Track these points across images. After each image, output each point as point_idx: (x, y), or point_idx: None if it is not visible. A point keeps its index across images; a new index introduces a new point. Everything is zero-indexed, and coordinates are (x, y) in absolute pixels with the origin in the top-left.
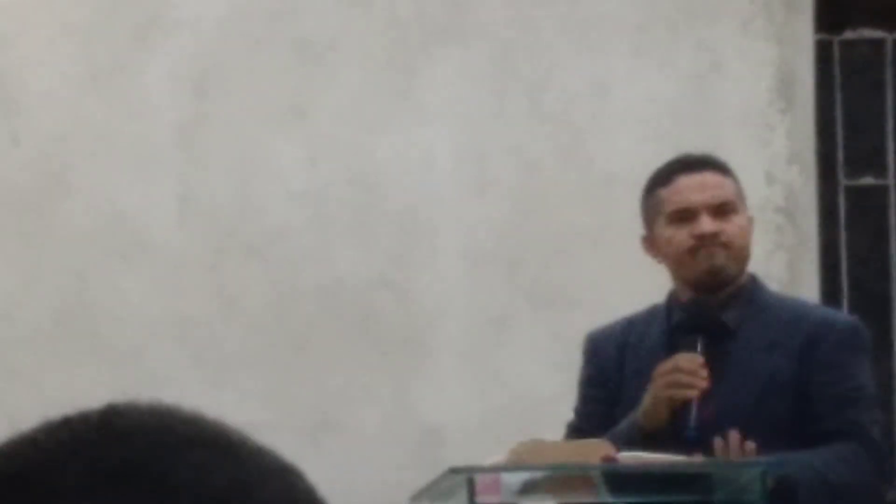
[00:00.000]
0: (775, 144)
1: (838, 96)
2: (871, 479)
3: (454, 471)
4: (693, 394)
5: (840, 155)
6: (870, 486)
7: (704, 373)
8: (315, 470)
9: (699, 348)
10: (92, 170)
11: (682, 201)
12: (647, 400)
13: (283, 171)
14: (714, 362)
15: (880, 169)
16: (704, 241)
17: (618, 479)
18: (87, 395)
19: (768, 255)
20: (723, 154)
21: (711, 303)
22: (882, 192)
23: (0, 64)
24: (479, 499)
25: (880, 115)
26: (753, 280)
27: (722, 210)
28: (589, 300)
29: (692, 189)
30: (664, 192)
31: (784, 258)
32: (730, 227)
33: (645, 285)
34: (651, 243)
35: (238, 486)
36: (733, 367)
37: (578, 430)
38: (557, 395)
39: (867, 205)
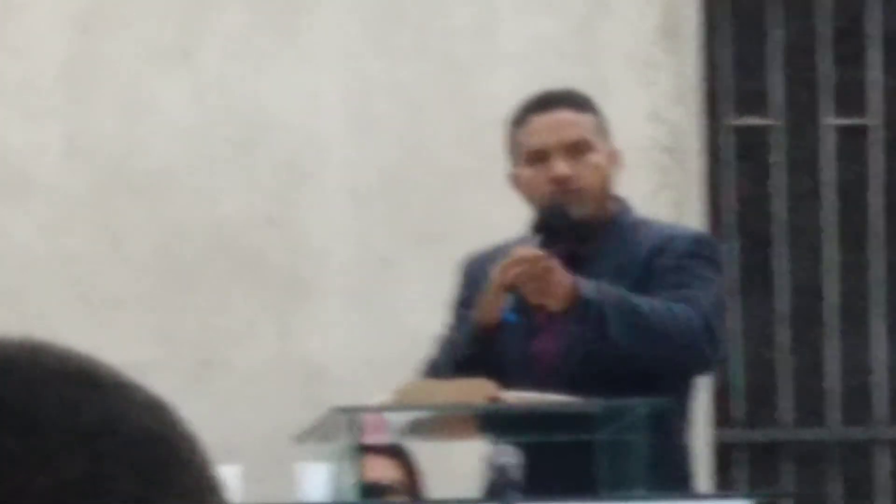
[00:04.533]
0: (660, 84)
1: (724, 36)
2: (688, 339)
3: (339, 410)
4: (518, 278)
5: (725, 94)
6: (685, 345)
7: (544, 259)
8: (199, 409)
9: (539, 244)
10: None
11: (535, 142)
12: (482, 296)
13: (168, 109)
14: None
15: (765, 108)
16: (558, 185)
17: (502, 419)
18: None
19: (654, 194)
20: (607, 93)
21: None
22: (766, 131)
23: None
24: (365, 438)
25: (766, 54)
26: (620, 212)
27: (576, 149)
28: (474, 239)
29: (545, 129)
30: (519, 132)
31: (670, 197)
32: (584, 168)
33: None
34: (515, 181)
35: (106, 421)
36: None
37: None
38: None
39: (752, 144)
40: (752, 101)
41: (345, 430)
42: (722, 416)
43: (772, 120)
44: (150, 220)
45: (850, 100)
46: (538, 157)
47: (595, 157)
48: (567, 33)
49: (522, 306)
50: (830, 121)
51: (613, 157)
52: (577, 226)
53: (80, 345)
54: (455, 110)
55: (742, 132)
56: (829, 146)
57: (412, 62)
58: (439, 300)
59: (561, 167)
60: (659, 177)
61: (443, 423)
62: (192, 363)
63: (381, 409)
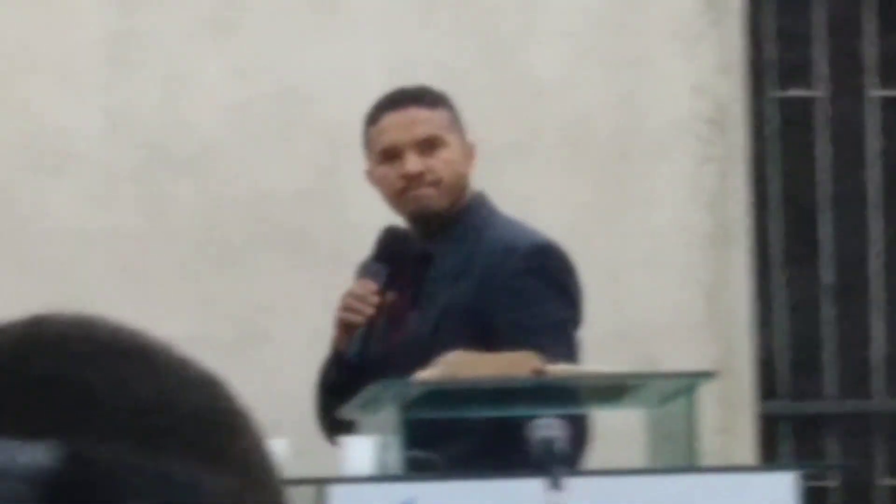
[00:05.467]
0: (705, 56)
1: (768, 7)
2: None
3: (384, 384)
4: (357, 319)
5: (769, 66)
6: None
7: (374, 300)
8: (242, 383)
9: (380, 276)
10: (18, 83)
11: (387, 140)
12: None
13: (211, 83)
14: (414, 290)
15: (810, 80)
16: (411, 182)
17: (546, 392)
18: (13, 310)
19: (698, 166)
20: (651, 66)
21: (421, 233)
22: (811, 103)
23: None
24: (413, 414)
25: (810, 25)
26: (471, 207)
27: (428, 145)
28: (518, 212)
29: (396, 127)
30: (372, 131)
31: (714, 170)
32: (437, 163)
33: (573, 196)
34: (370, 177)
35: (160, 397)
36: (424, 296)
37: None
38: None
39: (796, 116)
40: (797, 72)
41: (390, 403)
42: (767, 389)
43: (816, 91)
44: (193, 194)
45: (895, 71)
46: (391, 154)
47: (447, 153)
48: (610, 6)
49: (367, 339)
50: (875, 92)
51: (468, 152)
52: (418, 246)
53: (124, 319)
54: (498, 85)
55: (786, 104)
56: (873, 117)
57: (455, 36)
58: None
59: (412, 163)
60: (703, 149)
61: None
62: (235, 337)
63: (425, 382)
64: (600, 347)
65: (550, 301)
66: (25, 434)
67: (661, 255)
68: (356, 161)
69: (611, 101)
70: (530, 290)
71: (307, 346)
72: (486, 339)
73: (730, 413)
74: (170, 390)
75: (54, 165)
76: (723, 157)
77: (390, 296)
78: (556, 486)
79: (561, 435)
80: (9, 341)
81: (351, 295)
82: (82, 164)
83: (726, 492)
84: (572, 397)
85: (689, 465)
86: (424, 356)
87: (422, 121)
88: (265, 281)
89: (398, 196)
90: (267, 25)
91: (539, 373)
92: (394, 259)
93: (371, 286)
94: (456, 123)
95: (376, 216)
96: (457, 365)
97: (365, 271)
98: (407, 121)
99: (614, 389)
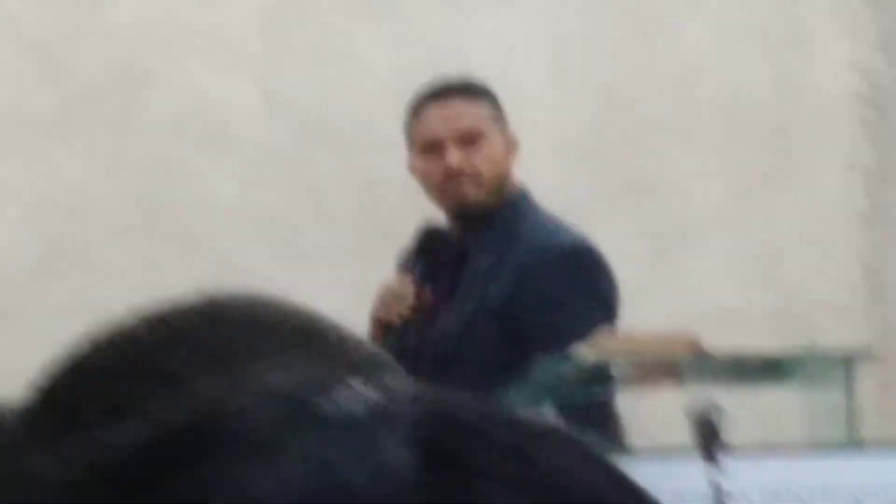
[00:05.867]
0: (863, 34)
1: None
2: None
3: (542, 361)
4: (392, 316)
5: None
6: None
7: (410, 297)
8: None
9: (417, 273)
10: (175, 61)
11: (428, 133)
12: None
13: (366, 61)
14: (449, 286)
15: None
16: (451, 175)
17: (702, 369)
18: (170, 288)
19: (855, 146)
20: (810, 44)
21: (460, 228)
22: None
23: None
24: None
25: None
26: (511, 203)
27: (470, 138)
28: (675, 193)
29: (437, 120)
30: (414, 123)
31: (871, 149)
32: (477, 157)
33: (731, 175)
34: (412, 169)
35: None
36: (459, 292)
37: None
38: (643, 287)
39: None
40: None
41: (541, 382)
42: None
43: None
44: (347, 172)
45: None
46: (432, 146)
47: (489, 146)
48: None
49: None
50: None
51: (510, 146)
52: (455, 242)
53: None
54: (655, 63)
55: None
56: None
57: (613, 13)
58: (639, 254)
59: (454, 157)
60: (860, 129)
61: (643, 374)
62: None
63: (581, 359)
64: (759, 326)
65: (581, 303)
66: None
67: (819, 234)
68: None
69: (769, 79)
70: (561, 292)
71: None
72: (516, 337)
73: (888, 393)
74: (340, 370)
75: (211, 144)
76: (881, 136)
77: (427, 294)
78: (715, 463)
79: (719, 413)
80: (187, 322)
81: (387, 291)
82: (237, 140)
83: (886, 472)
84: (730, 376)
85: (849, 444)
86: (456, 352)
87: (463, 113)
88: None
89: (438, 189)
90: (424, 2)
91: (696, 351)
92: (431, 255)
93: (408, 283)
94: (498, 117)
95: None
96: (611, 343)
97: (404, 266)
98: (449, 114)
99: (773, 368)
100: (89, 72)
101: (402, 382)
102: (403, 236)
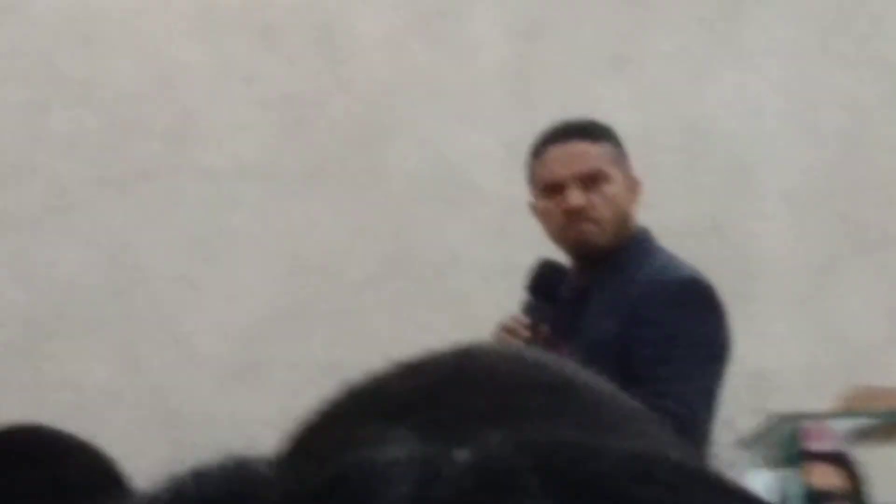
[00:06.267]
0: None
1: None
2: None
3: (782, 418)
4: None
5: None
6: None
7: (526, 333)
8: None
9: (535, 310)
10: (419, 115)
11: (549, 174)
12: None
13: (609, 116)
14: (569, 325)
15: None
16: (573, 216)
17: None
18: (414, 341)
19: None
20: None
21: (586, 266)
22: None
23: (327, 10)
24: (807, 446)
25: None
26: (633, 243)
27: (591, 180)
28: None
29: (559, 161)
30: (536, 164)
31: None
32: (598, 199)
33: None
34: (534, 211)
35: (589, 437)
36: (578, 331)
37: None
38: (887, 341)
39: None
40: None
41: (787, 437)
42: None
43: None
44: None
45: None
46: (554, 188)
47: (610, 188)
48: None
49: None
50: None
51: (632, 186)
52: (574, 281)
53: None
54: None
55: None
56: None
57: (854, 66)
58: (881, 309)
59: (575, 198)
60: None
61: (888, 430)
62: None
63: (824, 416)
64: None
65: (692, 336)
66: None
67: None
68: (755, 192)
69: None
70: (672, 325)
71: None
72: (630, 372)
73: None
74: (600, 429)
75: (453, 196)
76: None
77: (544, 329)
78: None
79: None
80: (435, 374)
81: (503, 329)
82: (480, 193)
83: None
84: None
85: None
86: None
87: (585, 155)
88: None
89: (560, 231)
90: (665, 55)
91: None
92: (549, 293)
93: (523, 320)
94: (620, 158)
95: (775, 247)
96: (858, 398)
97: (520, 305)
98: (570, 155)
99: None
100: (335, 127)
101: (661, 438)
102: None
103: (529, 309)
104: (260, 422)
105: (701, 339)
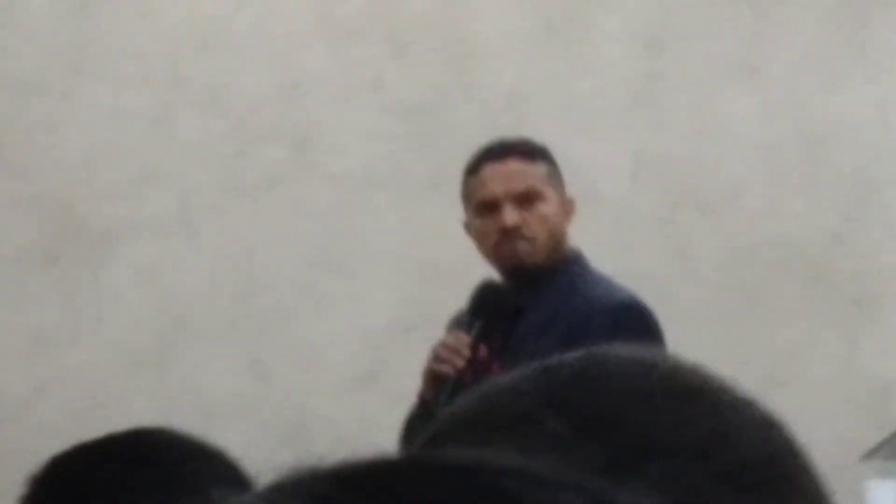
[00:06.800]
0: None
1: None
2: None
3: None
4: (446, 370)
5: None
6: None
7: (465, 352)
8: None
9: (474, 329)
10: (545, 124)
11: (485, 192)
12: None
13: (736, 126)
14: (503, 345)
15: None
16: (507, 235)
17: None
18: None
19: None
20: None
21: (515, 287)
22: None
23: (454, 18)
24: None
25: None
26: (566, 264)
27: (526, 198)
28: None
29: (494, 179)
30: (471, 182)
31: None
32: (533, 218)
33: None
34: (467, 229)
35: (717, 438)
36: (512, 351)
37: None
38: None
39: None
40: None
41: None
42: None
43: None
44: (717, 236)
45: None
46: (489, 206)
47: (545, 207)
48: None
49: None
50: None
51: (566, 207)
52: (510, 301)
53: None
54: None
55: None
56: None
57: None
58: None
59: (510, 216)
60: None
61: None
62: (757, 378)
63: None
64: None
65: None
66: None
67: None
68: (881, 201)
69: None
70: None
71: (830, 388)
72: None
73: None
74: (727, 432)
75: (579, 206)
76: None
77: (483, 349)
78: None
79: None
80: (561, 379)
81: (442, 346)
82: (607, 204)
83: None
84: None
85: None
86: None
87: (521, 174)
88: (788, 323)
89: (494, 249)
90: (792, 66)
91: None
92: (487, 313)
93: (463, 338)
94: (555, 177)
95: None
96: None
97: (458, 324)
98: (506, 173)
99: None
100: (461, 135)
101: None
102: (770, 300)
103: (469, 327)
104: (386, 429)
105: None
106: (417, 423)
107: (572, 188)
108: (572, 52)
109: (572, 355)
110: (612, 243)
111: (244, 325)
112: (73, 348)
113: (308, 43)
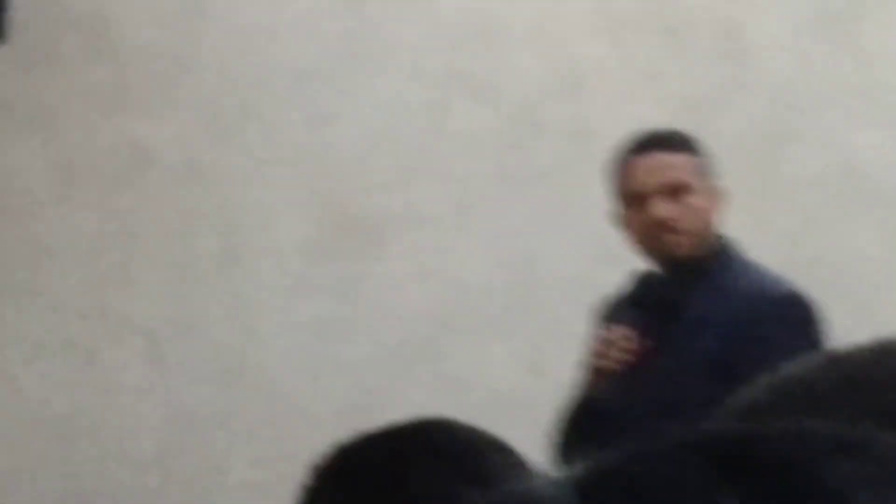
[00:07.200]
0: None
1: None
2: None
3: None
4: (611, 365)
5: None
6: None
7: (631, 346)
8: None
9: (638, 322)
10: (820, 115)
11: (633, 185)
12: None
13: None
14: (661, 340)
15: None
16: (656, 228)
17: None
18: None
19: None
20: None
21: (670, 279)
22: None
23: (729, 10)
24: None
25: None
26: (719, 253)
27: (675, 191)
28: None
29: (642, 172)
30: (619, 175)
31: None
32: (681, 210)
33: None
34: (618, 222)
35: None
36: (672, 346)
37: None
38: None
39: None
40: None
41: None
42: None
43: None
44: None
45: None
46: (637, 199)
47: (693, 199)
48: None
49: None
50: None
51: (715, 197)
52: (668, 292)
53: None
54: None
55: None
56: None
57: None
58: None
59: (659, 209)
60: None
61: None
62: None
63: None
64: None
65: (796, 350)
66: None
67: None
68: None
69: None
70: (775, 339)
71: None
72: (730, 389)
73: None
74: None
75: (856, 199)
76: None
77: (647, 342)
78: None
79: None
80: (852, 367)
81: (606, 340)
82: (884, 197)
83: None
84: None
85: None
86: (665, 406)
87: (668, 166)
88: None
89: (645, 242)
90: None
91: None
92: (646, 304)
93: (627, 332)
94: (703, 168)
95: None
96: None
97: (614, 312)
98: (653, 166)
99: None
100: (734, 127)
101: None
102: None
103: (631, 320)
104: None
105: (804, 352)
106: (580, 417)
107: (849, 181)
108: (848, 43)
109: (859, 345)
110: (889, 237)
111: (518, 317)
112: (348, 341)
113: (585, 35)
